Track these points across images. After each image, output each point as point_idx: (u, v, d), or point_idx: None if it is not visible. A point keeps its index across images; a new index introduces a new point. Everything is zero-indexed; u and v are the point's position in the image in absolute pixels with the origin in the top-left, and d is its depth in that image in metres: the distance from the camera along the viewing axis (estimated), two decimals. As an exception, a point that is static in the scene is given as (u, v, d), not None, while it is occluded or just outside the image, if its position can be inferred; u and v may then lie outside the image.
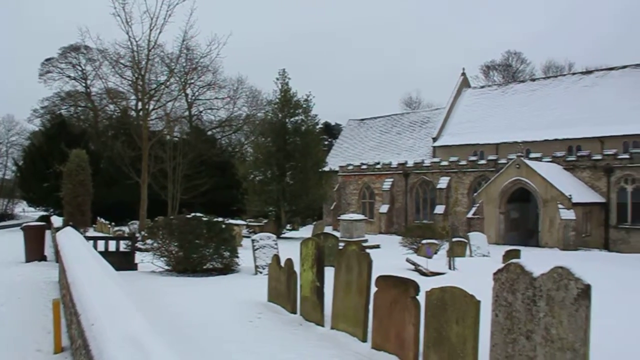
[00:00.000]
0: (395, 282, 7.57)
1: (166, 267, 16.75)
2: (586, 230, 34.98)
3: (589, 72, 51.13)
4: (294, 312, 10.64)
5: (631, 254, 31.89)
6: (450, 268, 16.93)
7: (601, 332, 7.02)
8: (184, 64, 41.63)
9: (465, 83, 56.56)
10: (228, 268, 16.99)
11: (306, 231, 38.57)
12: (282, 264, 11.38)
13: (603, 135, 40.30)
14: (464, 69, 56.71)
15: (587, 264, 20.66)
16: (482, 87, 59.65)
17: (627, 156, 35.66)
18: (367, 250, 8.90)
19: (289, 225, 40.17)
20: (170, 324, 9.28)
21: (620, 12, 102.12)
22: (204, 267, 16.65)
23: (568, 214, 32.97)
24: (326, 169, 47.35)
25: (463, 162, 43.00)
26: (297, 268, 10.71)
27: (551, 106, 46.02)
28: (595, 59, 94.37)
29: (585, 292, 5.06)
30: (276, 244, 17.22)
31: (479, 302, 6.14)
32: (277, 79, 39.65)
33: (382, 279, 7.83)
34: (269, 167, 39.29)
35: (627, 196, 35.62)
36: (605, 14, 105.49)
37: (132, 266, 17.40)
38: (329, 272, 9.48)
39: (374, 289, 8.02)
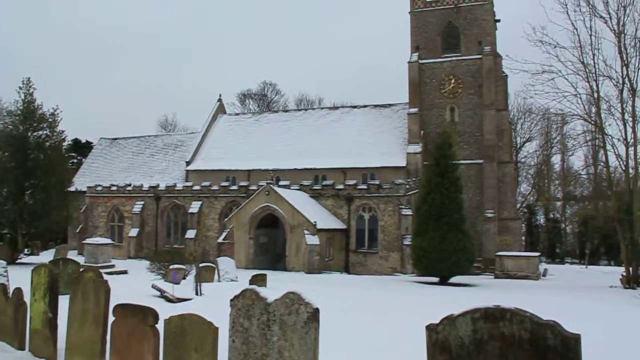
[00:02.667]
0: (133, 311, 7.27)
1: None
2: (329, 254, 37.29)
3: (335, 108, 55.33)
4: (22, 349, 9.66)
5: (367, 275, 34.97)
6: (197, 294, 16.82)
7: (331, 350, 7.44)
8: None
9: (221, 109, 57.40)
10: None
11: (48, 256, 35.69)
12: (11, 293, 10.33)
13: (345, 167, 43.70)
14: (220, 95, 57.60)
15: (327, 287, 22.00)
16: (238, 114, 61.16)
17: (365, 187, 39.10)
18: (114, 276, 8.49)
19: (27, 249, 36.76)
20: None
21: (357, 60, 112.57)
22: None
23: (313, 239, 34.87)
24: (72, 189, 44.47)
25: (215, 187, 43.44)
26: (28, 298, 9.78)
27: (301, 137, 48.66)
28: (341, 96, 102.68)
29: (314, 315, 5.33)
30: (6, 271, 15.62)
31: (217, 328, 6.14)
32: (20, 88, 36.33)
33: (120, 308, 7.47)
34: (5, 185, 35.62)
35: (365, 223, 38.91)
36: (350, 59, 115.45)
37: None
38: (66, 302, 8.81)
39: (112, 318, 7.61)
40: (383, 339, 11.11)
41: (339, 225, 38.63)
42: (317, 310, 5.34)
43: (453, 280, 29.60)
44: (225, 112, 58.14)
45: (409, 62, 45.51)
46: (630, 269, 29.98)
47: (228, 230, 38.02)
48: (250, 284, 19.97)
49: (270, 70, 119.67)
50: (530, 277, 32.98)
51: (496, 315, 4.40)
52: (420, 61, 45.17)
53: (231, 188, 43.23)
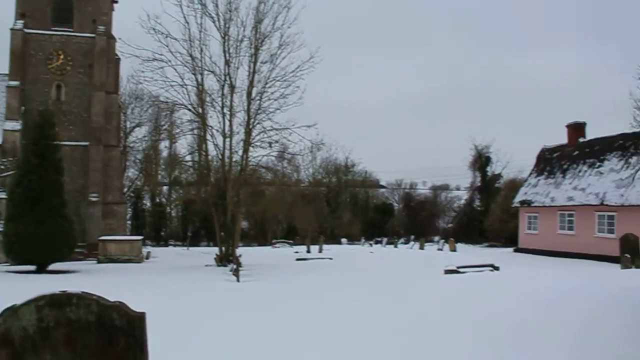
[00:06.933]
0: None
1: None
2: None
3: None
4: None
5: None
6: None
7: None
8: None
9: None
10: None
11: None
12: None
13: None
14: None
15: None
16: None
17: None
18: None
19: None
20: None
21: None
22: None
23: None
24: None
25: None
26: None
27: None
28: None
29: None
30: None
31: None
32: None
33: None
34: None
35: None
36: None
37: None
38: None
39: None
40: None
41: None
42: None
43: (53, 267, 28.23)
44: None
45: (11, 29, 41.34)
46: (223, 248, 32.92)
47: None
48: None
49: None
50: (133, 260, 33.60)
51: (62, 301, 4.38)
52: (27, 30, 41.47)
53: None
